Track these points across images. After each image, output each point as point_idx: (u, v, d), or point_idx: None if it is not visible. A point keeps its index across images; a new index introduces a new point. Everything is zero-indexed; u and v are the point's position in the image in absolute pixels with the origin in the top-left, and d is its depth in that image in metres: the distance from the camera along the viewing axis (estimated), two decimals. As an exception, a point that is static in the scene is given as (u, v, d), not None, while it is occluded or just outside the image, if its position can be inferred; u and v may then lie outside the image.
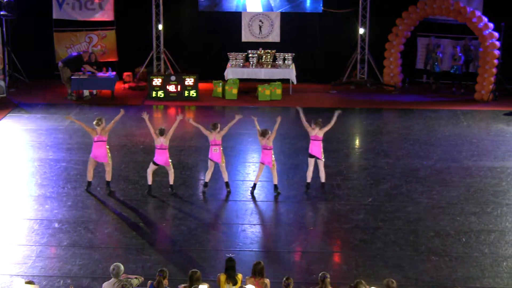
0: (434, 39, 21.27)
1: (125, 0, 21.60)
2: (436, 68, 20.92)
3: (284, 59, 20.76)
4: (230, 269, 8.84)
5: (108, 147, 13.20)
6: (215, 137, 12.87)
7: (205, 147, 13.81)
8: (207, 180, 13.22)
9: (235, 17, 21.65)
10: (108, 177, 13.30)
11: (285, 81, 20.58)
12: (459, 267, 10.48)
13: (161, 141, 12.84)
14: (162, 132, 12.82)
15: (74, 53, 20.65)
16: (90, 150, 15.54)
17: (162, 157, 12.94)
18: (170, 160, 12.99)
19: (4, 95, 19.69)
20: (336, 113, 13.18)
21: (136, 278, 8.83)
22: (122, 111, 13.29)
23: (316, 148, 13.05)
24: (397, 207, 12.66)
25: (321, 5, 21.15)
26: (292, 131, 16.94)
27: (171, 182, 13.12)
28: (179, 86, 19.96)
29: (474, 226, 11.87)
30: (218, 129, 12.90)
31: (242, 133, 16.22)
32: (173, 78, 20.03)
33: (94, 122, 13.01)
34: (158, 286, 8.46)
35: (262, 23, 21.72)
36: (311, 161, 13.21)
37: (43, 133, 16.78)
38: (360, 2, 21.25)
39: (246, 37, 21.80)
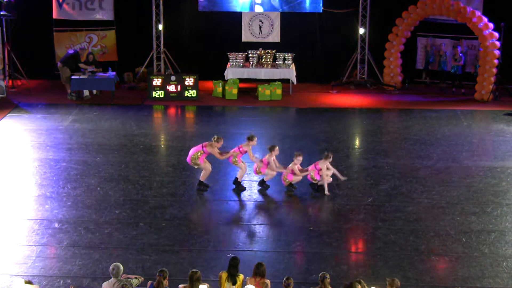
0: (431, 39, 21.28)
1: (125, 0, 21.61)
2: (444, 68, 20.88)
3: (284, 59, 20.74)
4: (232, 268, 8.86)
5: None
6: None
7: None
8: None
9: (235, 17, 21.63)
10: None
11: (285, 81, 20.58)
12: (459, 267, 10.48)
13: None
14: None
15: (71, 51, 20.51)
16: (90, 150, 15.63)
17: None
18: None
19: (4, 95, 19.67)
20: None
21: (136, 278, 8.84)
22: None
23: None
24: (397, 207, 12.65)
25: (321, 5, 21.14)
26: (292, 131, 16.93)
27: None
28: (179, 86, 19.95)
29: (474, 226, 11.86)
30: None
31: (243, 133, 16.19)
32: (173, 78, 20.03)
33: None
34: (158, 286, 8.47)
35: (262, 23, 21.70)
36: None
37: (43, 133, 16.76)
38: (360, 2, 21.23)
39: (246, 37, 21.79)
